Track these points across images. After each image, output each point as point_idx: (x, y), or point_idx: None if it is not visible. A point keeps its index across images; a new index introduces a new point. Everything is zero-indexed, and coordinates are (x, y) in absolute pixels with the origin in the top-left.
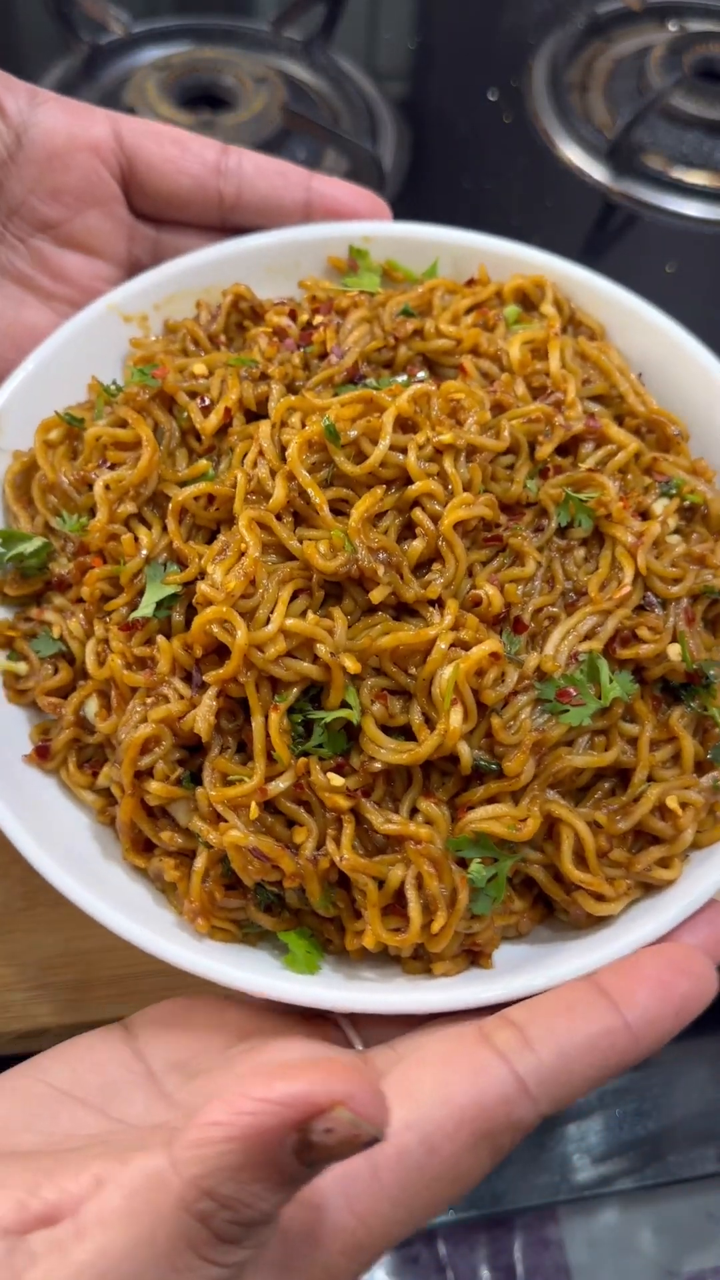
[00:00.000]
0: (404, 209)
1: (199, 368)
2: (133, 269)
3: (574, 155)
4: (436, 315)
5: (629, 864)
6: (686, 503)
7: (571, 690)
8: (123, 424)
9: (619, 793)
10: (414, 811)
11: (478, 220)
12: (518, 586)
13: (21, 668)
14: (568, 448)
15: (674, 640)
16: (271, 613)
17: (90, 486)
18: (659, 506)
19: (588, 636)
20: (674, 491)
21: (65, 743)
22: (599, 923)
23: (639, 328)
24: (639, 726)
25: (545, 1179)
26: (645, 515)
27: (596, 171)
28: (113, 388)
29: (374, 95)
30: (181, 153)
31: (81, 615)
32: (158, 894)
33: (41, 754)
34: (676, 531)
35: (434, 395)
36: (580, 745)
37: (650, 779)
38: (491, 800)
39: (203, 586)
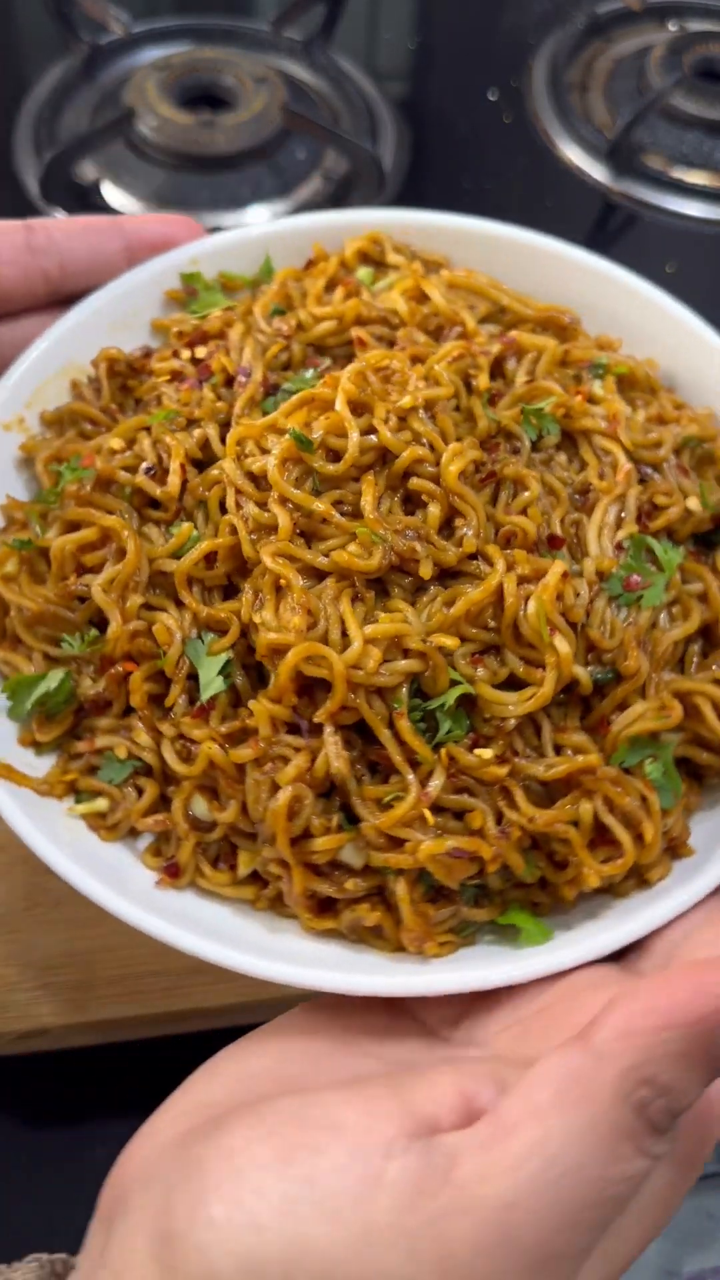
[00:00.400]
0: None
1: (115, 442)
2: None
3: (574, 155)
4: (301, 304)
5: None
6: (615, 376)
7: (634, 576)
8: (77, 526)
9: (709, 651)
10: (559, 750)
11: None
12: (535, 508)
13: (102, 804)
14: (494, 371)
15: (688, 495)
16: (344, 631)
17: (81, 599)
18: (598, 388)
19: (619, 524)
20: (602, 370)
21: (191, 852)
22: None
23: (488, 245)
24: (701, 582)
25: None
26: (593, 400)
27: (596, 171)
28: (48, 494)
29: (374, 95)
30: None
31: (140, 724)
32: (351, 944)
33: (171, 873)
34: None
35: (366, 370)
36: (663, 621)
37: None
38: (622, 706)
39: (270, 635)
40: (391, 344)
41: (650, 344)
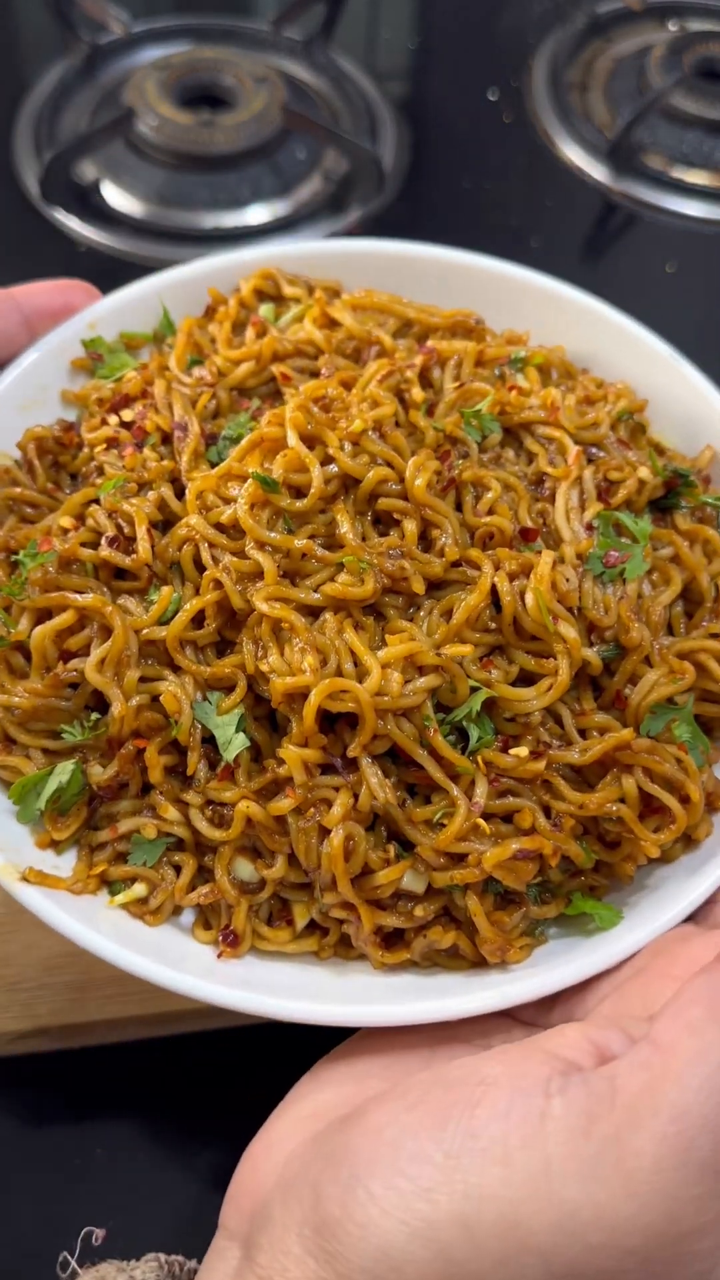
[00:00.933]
0: (404, 209)
1: (65, 520)
2: None
3: (574, 155)
4: (212, 352)
5: None
6: (534, 366)
7: (612, 552)
8: (48, 613)
9: (691, 610)
10: (583, 734)
11: (477, 220)
12: (504, 505)
13: (141, 890)
14: (422, 381)
15: (640, 464)
16: (355, 661)
17: (73, 685)
18: (522, 380)
19: (582, 506)
20: (521, 364)
21: (244, 916)
22: None
23: (370, 263)
24: (670, 546)
25: None
26: (523, 393)
27: (597, 171)
28: (11, 585)
29: (374, 95)
30: None
31: (164, 799)
32: (421, 973)
33: (230, 943)
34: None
35: (306, 403)
36: (646, 590)
37: (710, 577)
38: (633, 679)
39: (286, 681)
40: (314, 374)
41: (552, 329)
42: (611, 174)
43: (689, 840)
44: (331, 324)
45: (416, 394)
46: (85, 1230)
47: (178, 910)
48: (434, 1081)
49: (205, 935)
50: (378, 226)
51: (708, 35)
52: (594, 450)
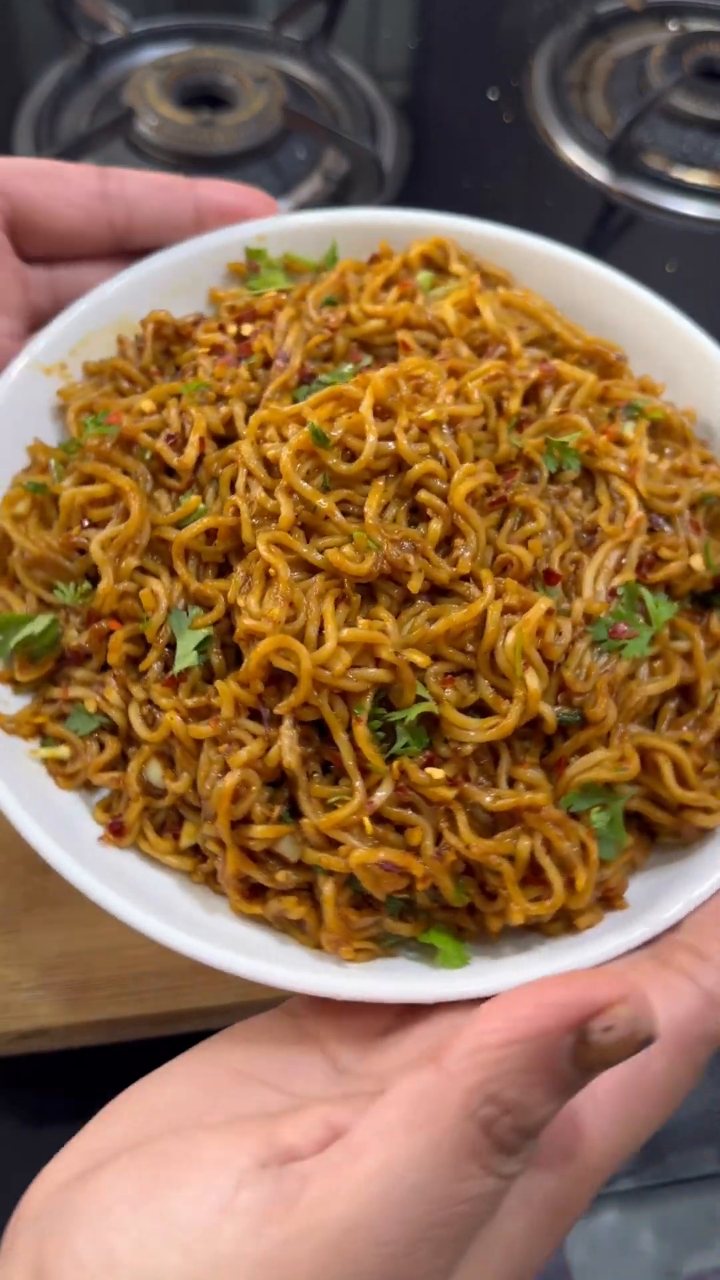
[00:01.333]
0: (404, 209)
1: (146, 404)
2: (34, 317)
3: (574, 155)
4: (355, 298)
5: None
6: (649, 421)
7: (622, 625)
8: (91, 479)
9: (685, 710)
10: (511, 782)
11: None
12: (538, 540)
13: (64, 751)
14: (529, 396)
15: (693, 552)
16: (320, 630)
17: (81, 551)
18: (629, 430)
19: (617, 570)
20: (637, 413)
21: (137, 814)
22: (707, 835)
23: (551, 267)
24: (688, 641)
25: None
26: (620, 442)
27: (597, 171)
28: (70, 444)
29: (374, 95)
30: (63, 184)
31: (114, 683)
32: (278, 934)
33: (116, 832)
34: (651, 449)
35: (399, 376)
36: (642, 674)
37: (714, 687)
38: (583, 750)
39: (246, 621)
40: (435, 352)
41: (694, 392)
42: (611, 174)
43: (570, 924)
44: (474, 312)
45: (513, 405)
46: None
47: (89, 786)
48: (160, 1152)
49: (101, 817)
50: None
51: (708, 35)
52: (659, 521)
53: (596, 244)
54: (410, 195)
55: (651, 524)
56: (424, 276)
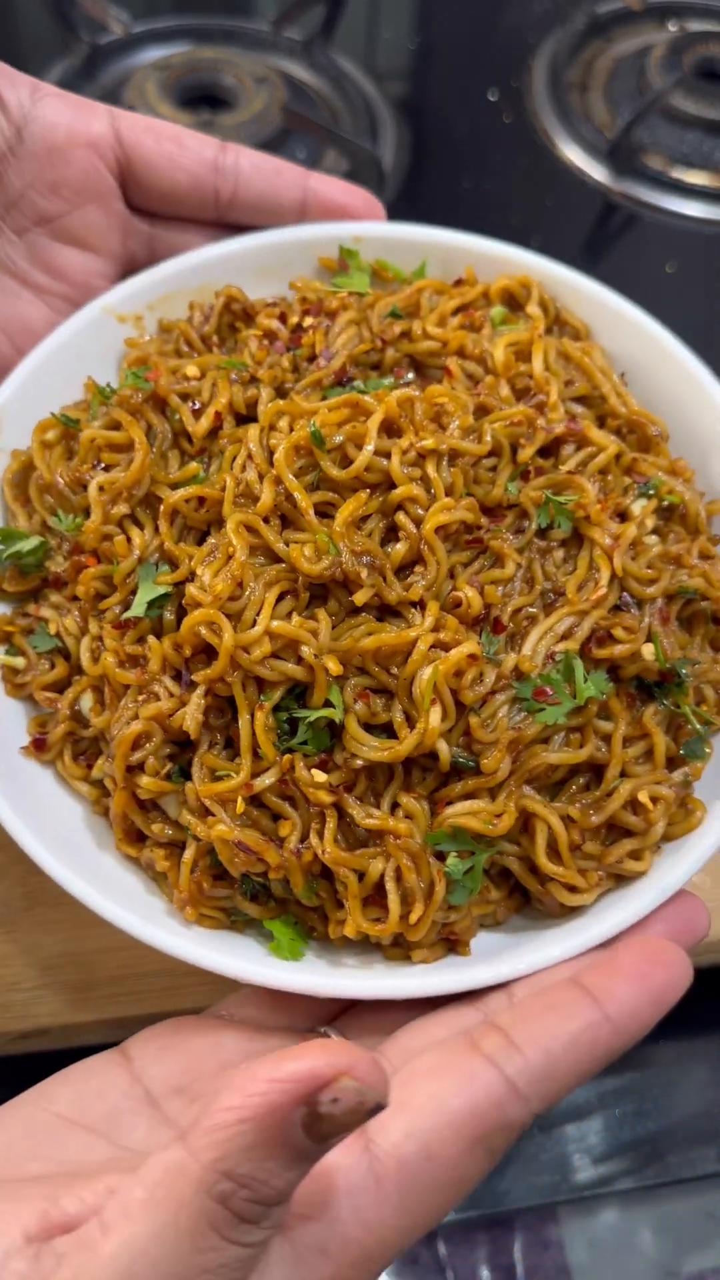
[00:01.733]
0: (404, 209)
1: (191, 370)
2: (128, 264)
3: (574, 155)
4: (424, 317)
5: (601, 856)
6: (665, 503)
7: (548, 689)
8: (116, 426)
9: (593, 787)
10: (395, 806)
11: (478, 220)
12: (497, 588)
13: (19, 662)
14: (549, 449)
15: (649, 640)
16: (258, 615)
17: (85, 487)
18: (637, 507)
19: (565, 636)
20: (652, 492)
21: (61, 736)
22: (573, 912)
23: (624, 328)
24: (613, 724)
25: (545, 1179)
26: (624, 516)
27: (596, 171)
28: (108, 389)
29: (374, 95)
30: (180, 149)
31: (77, 613)
32: (149, 883)
33: (38, 746)
34: (655, 531)
35: (418, 400)
36: (556, 742)
37: (623, 774)
38: (469, 796)
39: (191, 589)
40: (477, 383)
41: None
42: (611, 174)
43: (406, 955)
44: (526, 356)
45: (525, 453)
46: None
47: (31, 698)
48: (49, 1180)
49: (34, 729)
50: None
51: (708, 35)
52: (630, 602)
53: (596, 244)
54: (410, 195)
55: (621, 603)
56: (497, 311)
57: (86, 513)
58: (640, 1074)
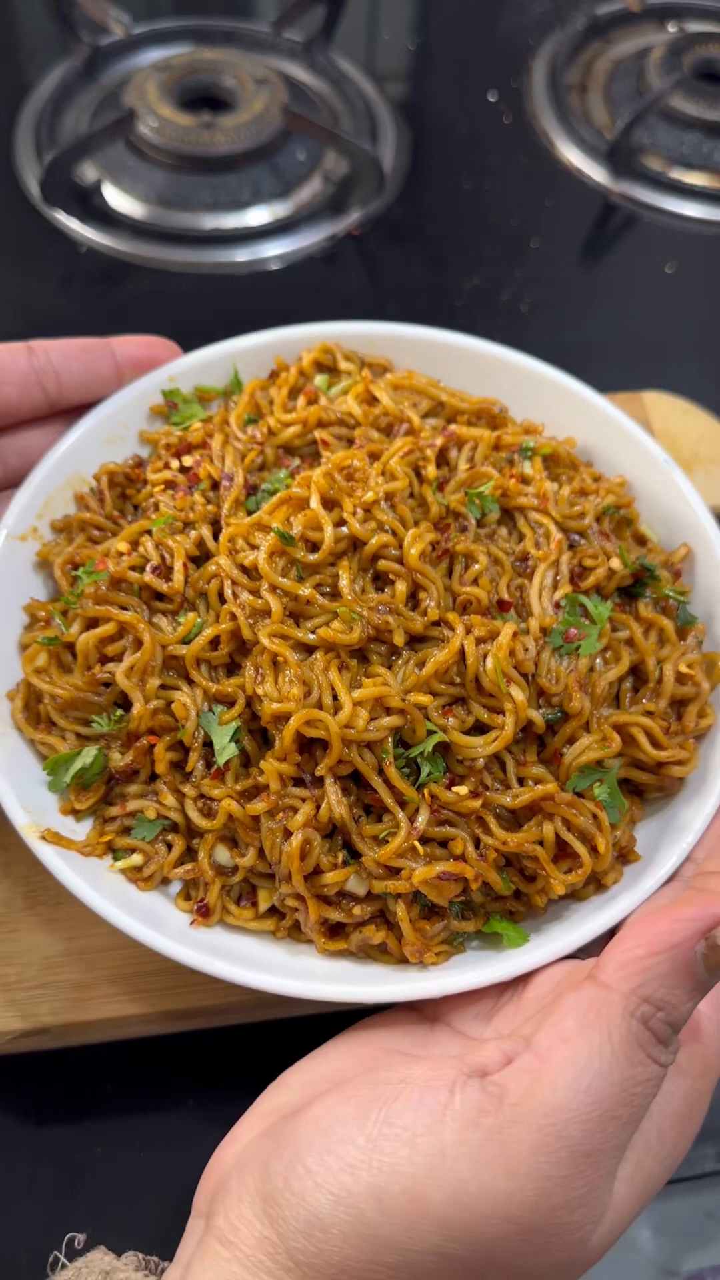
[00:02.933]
0: (404, 210)
1: (121, 545)
2: None
3: (574, 156)
4: (269, 412)
5: (682, 728)
6: (542, 456)
7: (572, 629)
8: (94, 622)
9: (639, 686)
10: (521, 781)
11: (478, 221)
12: (485, 578)
13: (138, 860)
14: (439, 460)
15: (610, 556)
16: (334, 695)
17: (106, 684)
18: (529, 468)
19: (555, 586)
20: (530, 452)
21: (218, 894)
22: (683, 782)
23: (419, 348)
24: (627, 629)
25: None
26: (524, 480)
27: (596, 172)
28: (70, 595)
29: (374, 96)
30: None
31: (165, 788)
32: (360, 961)
33: (203, 914)
34: (549, 479)
35: (333, 470)
36: (599, 666)
37: (657, 662)
38: (571, 740)
39: (273, 706)
40: (350, 442)
41: (568, 424)
42: (611, 175)
43: (599, 884)
44: (372, 400)
45: (430, 471)
46: (68, 1236)
47: (165, 881)
48: (366, 1080)
49: (184, 905)
50: (378, 227)
51: (707, 36)
52: (576, 538)
53: (596, 245)
54: (410, 196)
55: (570, 541)
56: (320, 379)
57: (117, 704)
58: None
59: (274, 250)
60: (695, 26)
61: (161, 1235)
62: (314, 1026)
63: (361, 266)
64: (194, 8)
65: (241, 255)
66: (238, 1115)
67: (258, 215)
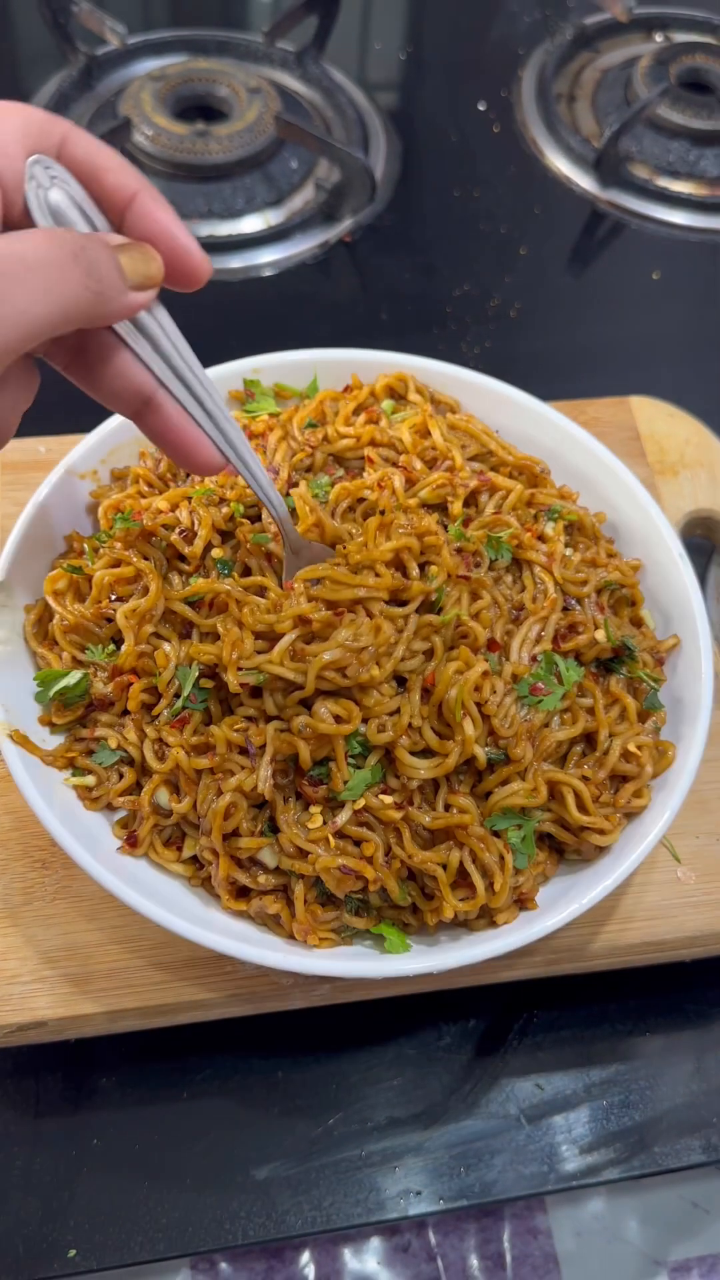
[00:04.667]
0: (395, 218)
1: (162, 504)
2: None
3: (562, 164)
4: (332, 421)
5: (615, 801)
6: (567, 521)
7: (539, 684)
8: (118, 564)
9: (588, 752)
10: (447, 807)
11: (468, 228)
12: (488, 614)
13: (90, 780)
14: (469, 500)
15: (597, 627)
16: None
17: (109, 619)
18: (550, 529)
19: (538, 640)
20: (556, 515)
21: (149, 830)
22: (603, 852)
23: (489, 397)
24: (591, 698)
25: (533, 1169)
26: (542, 538)
27: (584, 180)
28: (103, 535)
29: (365, 105)
30: None
31: (131, 725)
32: (258, 926)
33: (131, 843)
34: (568, 545)
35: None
36: (554, 724)
37: (610, 735)
38: (505, 782)
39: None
40: (395, 464)
41: (603, 498)
42: (598, 183)
43: (492, 920)
44: (425, 433)
45: (456, 509)
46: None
47: (111, 808)
48: None
49: (120, 833)
50: (369, 234)
51: (693, 46)
52: (572, 602)
53: (583, 252)
54: (401, 204)
55: (566, 604)
56: (387, 404)
57: (113, 640)
58: (627, 1066)
59: (267, 257)
60: (682, 36)
61: (160, 1227)
62: (310, 1022)
63: (354, 273)
64: (188, 18)
65: (235, 262)
66: (234, 1107)
67: (251, 223)
